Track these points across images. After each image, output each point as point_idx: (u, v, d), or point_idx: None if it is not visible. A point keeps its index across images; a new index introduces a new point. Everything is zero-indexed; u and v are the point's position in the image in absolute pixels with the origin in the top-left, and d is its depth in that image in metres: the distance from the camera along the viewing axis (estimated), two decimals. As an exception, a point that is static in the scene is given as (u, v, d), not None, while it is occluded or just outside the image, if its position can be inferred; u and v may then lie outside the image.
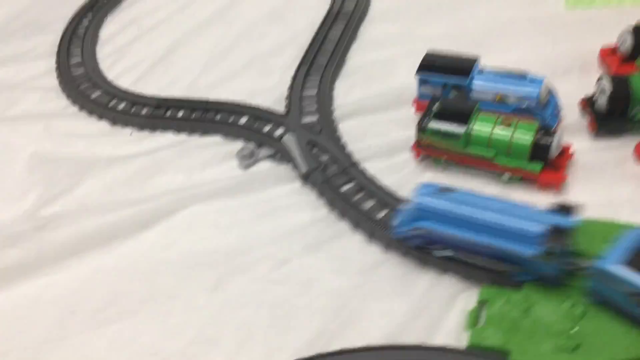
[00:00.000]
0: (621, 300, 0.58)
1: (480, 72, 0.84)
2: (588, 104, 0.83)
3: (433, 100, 0.80)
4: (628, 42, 0.87)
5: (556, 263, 0.60)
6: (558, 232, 0.59)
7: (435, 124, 0.77)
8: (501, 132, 0.76)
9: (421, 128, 0.78)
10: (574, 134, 0.82)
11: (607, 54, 0.91)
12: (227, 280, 0.71)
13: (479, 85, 0.82)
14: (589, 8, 1.04)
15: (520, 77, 0.82)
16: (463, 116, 0.77)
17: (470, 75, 0.82)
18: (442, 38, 1.01)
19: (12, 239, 0.78)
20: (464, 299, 0.66)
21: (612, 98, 0.78)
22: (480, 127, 0.76)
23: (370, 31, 1.09)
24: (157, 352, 0.65)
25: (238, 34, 1.12)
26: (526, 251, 0.60)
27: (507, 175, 0.77)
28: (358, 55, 1.03)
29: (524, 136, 0.75)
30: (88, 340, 0.67)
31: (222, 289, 0.70)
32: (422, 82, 0.85)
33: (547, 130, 0.75)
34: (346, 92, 0.96)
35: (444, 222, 0.65)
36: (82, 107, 1.00)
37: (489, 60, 0.86)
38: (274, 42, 1.08)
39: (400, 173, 0.81)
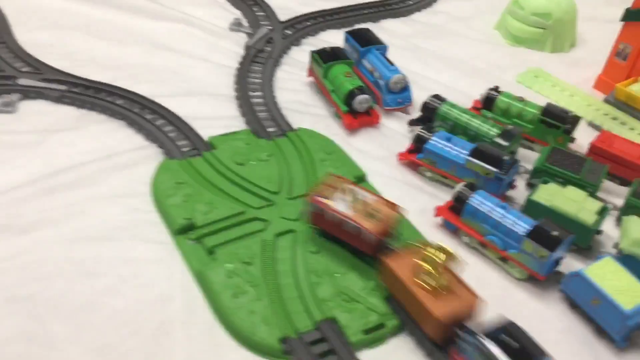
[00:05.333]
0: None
1: (376, 51, 1.21)
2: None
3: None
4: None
5: None
6: None
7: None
8: (342, 77, 1.13)
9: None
10: (399, 120, 1.16)
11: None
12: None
13: (366, 60, 1.20)
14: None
15: (389, 63, 1.17)
16: (333, 55, 1.16)
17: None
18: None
19: None
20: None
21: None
22: (334, 69, 1.15)
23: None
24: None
25: None
26: None
27: (334, 109, 1.15)
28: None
29: (348, 85, 1.11)
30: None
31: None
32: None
33: (362, 90, 1.11)
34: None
35: None
36: None
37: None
38: None
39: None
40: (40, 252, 0.82)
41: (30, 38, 1.24)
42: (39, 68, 1.15)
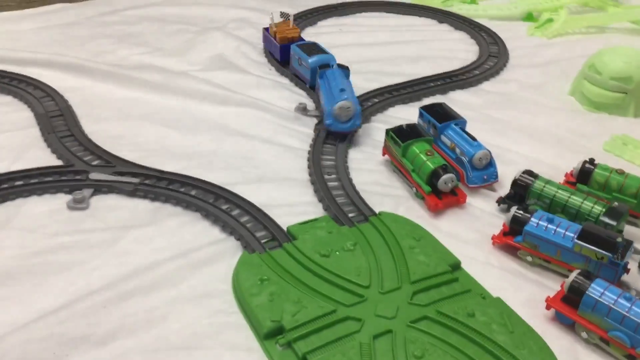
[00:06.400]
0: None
1: (455, 126, 1.15)
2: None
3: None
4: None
5: None
6: None
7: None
8: (422, 156, 1.07)
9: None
10: (486, 198, 1.09)
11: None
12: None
13: (445, 136, 1.14)
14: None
15: (471, 139, 1.11)
16: (410, 133, 1.11)
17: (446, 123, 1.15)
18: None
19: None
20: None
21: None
22: (414, 147, 1.09)
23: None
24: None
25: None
26: None
27: (415, 190, 1.08)
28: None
29: (430, 164, 1.05)
30: None
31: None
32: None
33: (446, 168, 1.04)
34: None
35: None
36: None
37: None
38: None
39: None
40: (121, 365, 0.76)
41: (99, 129, 1.23)
42: (110, 161, 1.12)
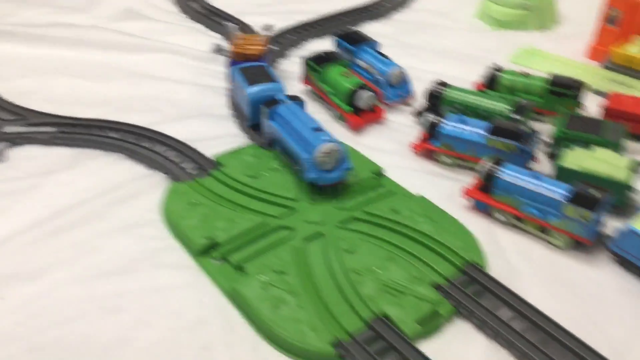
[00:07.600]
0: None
1: (368, 49, 1.18)
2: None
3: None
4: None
5: None
6: None
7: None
8: (339, 78, 1.09)
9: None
10: (404, 113, 1.13)
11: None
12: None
13: (360, 59, 1.17)
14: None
15: (385, 58, 1.15)
16: (327, 59, 1.13)
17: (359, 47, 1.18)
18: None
19: None
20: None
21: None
22: (330, 71, 1.11)
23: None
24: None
25: None
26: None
27: (335, 112, 1.11)
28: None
29: (347, 84, 1.08)
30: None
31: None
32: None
33: (363, 87, 1.07)
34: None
35: None
36: None
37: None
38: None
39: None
40: (55, 295, 0.75)
41: (12, 87, 1.19)
42: (22, 114, 1.09)
